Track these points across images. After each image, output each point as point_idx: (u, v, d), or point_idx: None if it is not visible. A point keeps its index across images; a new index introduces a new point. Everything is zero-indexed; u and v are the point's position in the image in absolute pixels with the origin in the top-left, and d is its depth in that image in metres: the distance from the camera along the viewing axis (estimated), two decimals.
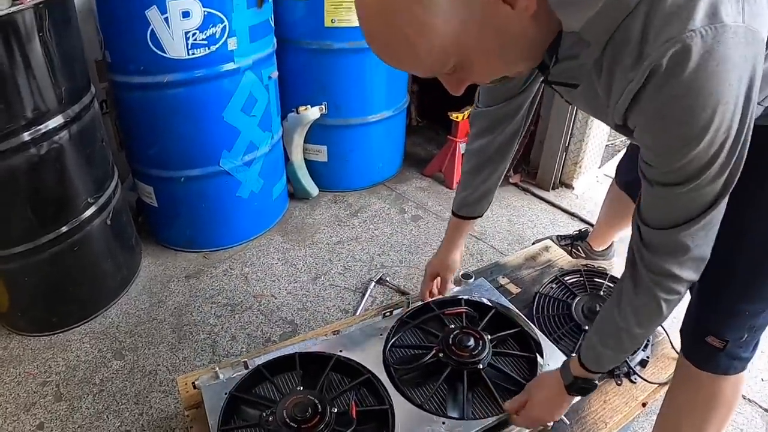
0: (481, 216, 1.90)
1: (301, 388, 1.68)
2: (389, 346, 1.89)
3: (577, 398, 1.62)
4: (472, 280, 2.22)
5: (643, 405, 1.99)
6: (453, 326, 1.92)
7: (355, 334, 1.95)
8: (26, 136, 2.11)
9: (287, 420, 1.54)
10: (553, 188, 3.80)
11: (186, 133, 2.74)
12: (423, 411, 1.69)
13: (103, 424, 2.19)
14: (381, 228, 3.36)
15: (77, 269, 2.57)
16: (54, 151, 2.23)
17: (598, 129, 3.63)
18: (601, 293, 2.28)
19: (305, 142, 3.50)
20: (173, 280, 2.91)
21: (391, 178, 3.90)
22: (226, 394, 1.69)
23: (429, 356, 1.81)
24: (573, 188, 3.79)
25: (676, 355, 1.98)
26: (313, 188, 3.61)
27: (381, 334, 1.93)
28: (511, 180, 3.84)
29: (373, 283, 2.86)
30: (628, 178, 2.26)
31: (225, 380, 1.78)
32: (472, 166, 1.77)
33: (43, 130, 2.16)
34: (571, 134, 3.58)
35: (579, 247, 2.77)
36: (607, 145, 3.98)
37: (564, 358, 1.87)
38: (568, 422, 1.80)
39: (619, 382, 2.03)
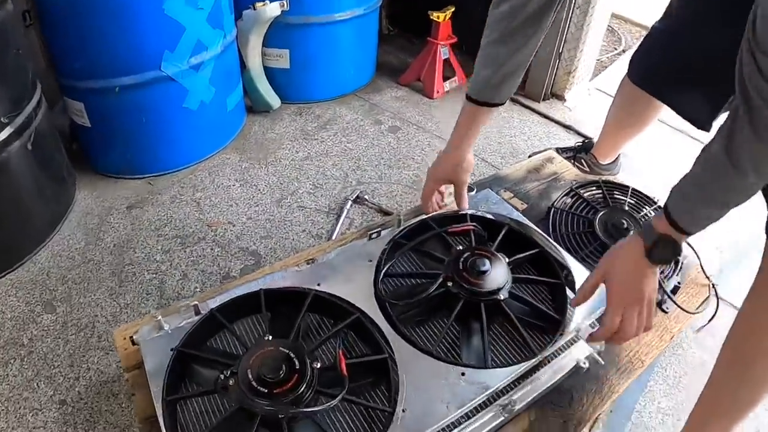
0: (503, 104, 1.52)
1: (270, 337, 1.24)
2: (381, 275, 1.45)
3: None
4: (474, 192, 1.81)
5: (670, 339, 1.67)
6: (461, 248, 1.49)
7: (336, 262, 1.51)
8: None
9: (253, 382, 1.11)
10: (543, 99, 3.45)
11: (118, 31, 2.21)
12: (433, 358, 1.27)
13: (33, 394, 1.77)
14: (354, 141, 2.91)
15: None
16: None
17: (592, 38, 3.27)
18: (626, 208, 1.90)
19: (264, 45, 3.00)
20: (113, 213, 2.44)
21: (363, 88, 3.44)
22: (172, 350, 1.25)
23: (435, 287, 1.38)
24: (565, 100, 3.44)
25: (707, 282, 1.79)
26: (274, 99, 3.11)
27: (370, 260, 1.50)
28: None
29: (350, 203, 2.43)
30: (649, 66, 1.98)
31: (170, 331, 1.34)
32: (498, 35, 1.40)
33: None
34: (564, 41, 3.20)
35: (582, 161, 2.47)
36: (597, 60, 3.65)
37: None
38: (603, 362, 1.42)
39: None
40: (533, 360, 1.30)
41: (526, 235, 1.62)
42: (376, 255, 1.51)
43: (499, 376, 1.26)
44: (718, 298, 1.79)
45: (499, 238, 1.58)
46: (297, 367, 1.13)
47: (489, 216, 1.68)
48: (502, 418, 1.24)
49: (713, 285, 1.78)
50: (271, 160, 2.75)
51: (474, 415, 1.23)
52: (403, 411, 1.17)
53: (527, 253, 1.55)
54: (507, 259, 1.48)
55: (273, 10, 2.78)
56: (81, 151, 2.73)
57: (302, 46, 3.06)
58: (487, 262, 1.42)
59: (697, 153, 1.07)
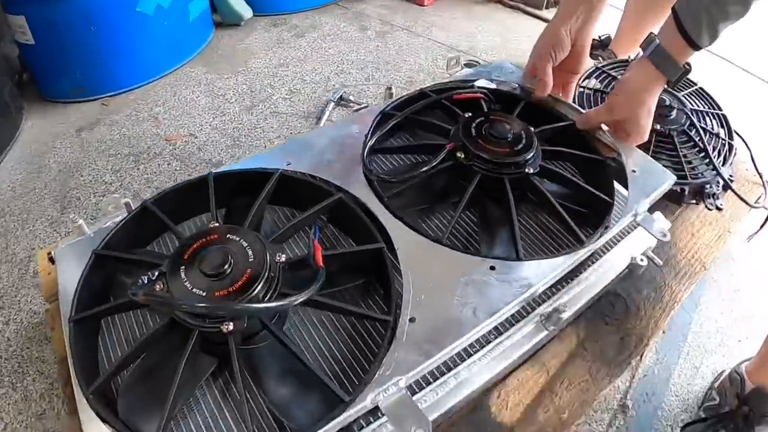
0: None
1: (216, 224, 0.88)
2: (367, 149, 1.08)
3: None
4: (478, 65, 1.43)
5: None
6: (470, 114, 1.12)
7: (311, 139, 1.13)
8: None
9: (186, 284, 0.75)
10: (547, 7, 3.08)
11: None
12: (449, 249, 0.91)
13: None
14: (337, 46, 2.53)
15: None
16: None
17: None
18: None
19: None
20: (60, 137, 2.07)
21: None
22: (91, 255, 0.90)
23: (441, 157, 1.01)
24: None
25: (758, 180, 1.52)
26: (244, 9, 2.72)
27: (356, 133, 1.13)
28: None
29: (332, 104, 2.07)
30: None
31: (93, 235, 0.98)
32: None
33: None
34: None
35: (600, 57, 2.18)
36: None
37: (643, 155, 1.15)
38: (660, 262, 1.09)
39: (710, 205, 1.40)
40: (581, 252, 0.93)
41: (550, 108, 1.24)
42: (363, 130, 1.13)
43: (541, 271, 0.89)
44: None
45: (519, 108, 1.20)
46: (251, 259, 0.77)
47: (504, 88, 1.31)
48: (546, 332, 0.90)
49: (765, 183, 1.50)
50: (241, 69, 2.37)
51: (508, 328, 0.88)
52: (411, 321, 0.80)
53: (558, 124, 1.18)
54: (533, 129, 1.10)
55: None
56: (31, 81, 2.36)
57: None
58: (508, 126, 1.06)
59: None
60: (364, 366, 0.80)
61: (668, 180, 1.07)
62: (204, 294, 0.73)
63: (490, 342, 0.87)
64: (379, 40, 2.56)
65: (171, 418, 0.72)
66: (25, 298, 1.51)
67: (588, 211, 1.05)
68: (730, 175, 1.45)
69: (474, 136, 1.03)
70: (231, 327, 0.73)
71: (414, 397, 0.78)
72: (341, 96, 2.07)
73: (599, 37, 2.25)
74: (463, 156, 1.02)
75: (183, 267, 0.77)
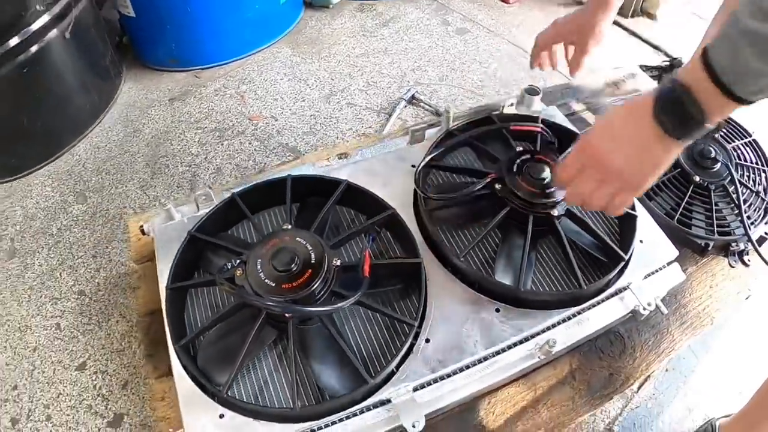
0: None
1: (289, 226, 1.12)
2: (424, 162, 1.30)
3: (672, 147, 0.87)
4: (539, 97, 1.59)
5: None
6: (521, 149, 1.32)
7: (371, 165, 1.37)
8: None
9: (261, 275, 0.99)
10: (632, 15, 3.16)
11: None
12: (466, 285, 1.15)
13: (54, 283, 1.75)
14: (417, 40, 2.72)
15: (32, 96, 2.04)
16: None
17: None
18: (717, 136, 1.61)
19: None
20: (155, 105, 2.36)
21: None
22: (186, 236, 1.15)
23: (480, 186, 1.22)
24: (655, 18, 3.15)
25: None
26: None
27: (413, 165, 1.35)
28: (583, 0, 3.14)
29: (404, 102, 2.27)
30: None
31: (185, 220, 1.25)
32: None
33: None
34: None
35: None
36: None
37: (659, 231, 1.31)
38: (666, 311, 1.24)
39: (733, 262, 1.47)
40: (574, 310, 1.14)
41: None
42: (417, 159, 1.34)
43: (537, 319, 1.12)
44: None
45: (571, 148, 1.38)
46: (312, 262, 1.01)
47: (563, 124, 1.49)
48: (537, 359, 1.11)
49: None
50: (324, 55, 2.60)
51: (503, 352, 1.10)
52: (426, 341, 1.06)
53: None
54: None
55: None
56: (130, 45, 2.65)
57: None
58: (548, 170, 1.25)
59: None
60: (388, 357, 1.04)
61: (670, 257, 1.25)
62: (273, 285, 0.97)
63: (487, 359, 1.09)
64: (458, 38, 2.74)
65: (238, 372, 0.97)
66: (114, 250, 1.81)
67: (603, 258, 1.22)
68: (766, 233, 1.50)
69: (514, 172, 1.23)
70: (290, 315, 0.97)
71: (416, 393, 1.01)
72: (413, 95, 2.27)
73: (671, 60, 2.34)
74: (499, 188, 1.22)
75: (259, 260, 1.01)
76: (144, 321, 1.26)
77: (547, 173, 1.23)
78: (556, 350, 1.10)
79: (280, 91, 2.38)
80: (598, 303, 1.18)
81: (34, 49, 1.95)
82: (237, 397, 0.97)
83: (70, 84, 2.16)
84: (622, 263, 1.18)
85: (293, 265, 0.99)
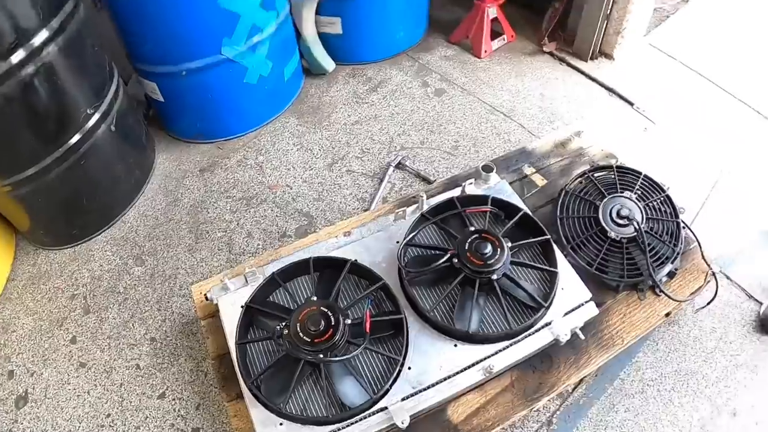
0: None
1: (315, 298, 1.71)
2: (404, 242, 1.89)
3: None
4: (493, 172, 2.15)
5: (666, 315, 1.98)
6: (473, 228, 1.89)
7: (367, 242, 1.98)
8: (13, 59, 2.04)
9: (300, 334, 1.58)
10: (591, 58, 3.61)
11: (180, 25, 2.65)
12: (434, 329, 1.75)
13: (129, 332, 2.33)
14: (402, 104, 3.30)
15: (88, 181, 2.59)
16: (44, 69, 2.16)
17: None
18: (634, 196, 2.10)
19: (317, 14, 3.36)
20: (188, 176, 2.95)
21: (414, 47, 3.76)
22: (242, 307, 1.74)
23: (442, 260, 1.81)
24: (613, 59, 3.60)
25: (706, 268, 2.03)
26: (328, 63, 3.51)
27: (397, 242, 1.95)
28: (545, 48, 3.67)
29: (392, 168, 2.85)
30: None
31: (235, 291, 1.84)
32: None
33: (29, 50, 2.08)
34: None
35: None
36: (655, 9, 3.70)
37: (577, 278, 1.88)
38: (584, 337, 1.83)
39: (642, 297, 2.01)
40: (510, 341, 1.75)
41: (537, 222, 1.97)
42: (400, 234, 1.94)
43: (484, 350, 1.72)
44: (717, 284, 2.04)
45: (512, 222, 1.95)
46: (333, 324, 1.61)
47: (508, 199, 2.06)
48: (484, 377, 1.70)
49: (713, 273, 2.03)
50: (325, 124, 3.18)
51: (460, 372, 1.70)
52: (409, 368, 1.67)
53: (531, 240, 1.93)
54: (511, 244, 1.85)
55: None
56: (157, 117, 3.23)
57: (353, 12, 3.40)
58: (490, 246, 1.80)
59: None
60: (384, 380, 1.63)
61: (585, 297, 1.83)
62: (308, 340, 1.57)
63: (449, 378, 1.68)
64: (436, 99, 3.31)
65: (290, 395, 1.58)
66: (175, 304, 2.39)
67: (533, 304, 1.78)
68: (675, 268, 2.02)
69: (466, 249, 1.80)
70: (321, 356, 1.57)
71: (403, 402, 1.61)
72: (399, 162, 2.84)
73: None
74: (456, 261, 1.80)
75: (298, 324, 1.60)
76: (215, 362, 1.86)
77: (489, 249, 1.80)
78: (496, 371, 1.69)
79: (291, 161, 2.97)
80: (528, 336, 1.76)
81: (88, 144, 2.46)
82: (290, 412, 1.57)
83: (118, 166, 2.72)
84: (543, 308, 1.77)
85: (320, 326, 1.59)
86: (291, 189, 2.82)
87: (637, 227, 1.98)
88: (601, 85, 3.44)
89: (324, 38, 3.48)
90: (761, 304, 2.29)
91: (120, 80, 2.75)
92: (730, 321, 2.24)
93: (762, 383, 2.08)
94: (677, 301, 1.99)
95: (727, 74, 3.47)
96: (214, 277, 2.05)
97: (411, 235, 1.91)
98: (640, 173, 2.18)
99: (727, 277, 2.34)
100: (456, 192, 2.12)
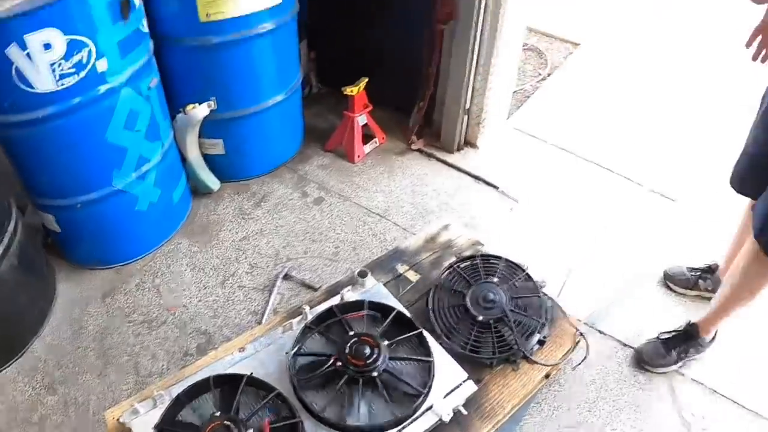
0: None
1: (218, 413, 1.99)
2: (292, 353, 2.18)
3: None
4: (368, 276, 2.47)
5: (547, 377, 2.23)
6: (352, 333, 2.21)
7: (260, 356, 2.27)
8: None
9: None
10: (458, 149, 4.00)
11: (72, 161, 2.88)
12: (330, 428, 2.02)
13: None
14: (284, 216, 3.61)
15: None
16: None
17: (502, 77, 3.74)
18: (495, 280, 2.39)
19: (200, 137, 3.64)
20: (91, 302, 3.14)
21: (293, 158, 4.08)
22: (153, 429, 1.99)
23: (327, 365, 2.12)
24: (477, 147, 4.01)
25: (574, 331, 2.32)
26: (213, 182, 3.81)
27: (286, 353, 2.24)
28: (413, 147, 4.07)
29: (280, 280, 3.15)
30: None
31: (145, 413, 2.08)
32: None
33: None
34: (472, 91, 3.74)
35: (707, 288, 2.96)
36: (515, 92, 4.13)
37: (453, 362, 2.20)
38: (466, 412, 2.09)
39: (515, 368, 2.26)
40: (398, 427, 2.03)
41: (410, 318, 2.30)
42: (289, 345, 2.25)
43: None
44: (587, 342, 2.28)
45: (387, 322, 2.26)
46: None
47: (384, 301, 2.38)
48: None
49: (581, 333, 2.30)
50: (215, 242, 3.46)
51: None
52: None
53: (407, 335, 2.25)
54: (387, 342, 2.17)
55: (202, 111, 3.40)
56: (55, 245, 3.41)
57: (234, 134, 3.72)
58: (368, 347, 2.12)
59: None
60: None
61: (462, 378, 2.15)
62: None
63: None
64: (316, 208, 3.64)
65: None
66: (91, 430, 2.58)
67: (415, 394, 2.08)
68: (544, 337, 2.27)
69: (347, 352, 2.12)
70: None
71: None
72: (286, 273, 3.16)
73: (710, 265, 2.97)
74: (339, 365, 2.12)
75: None
76: None
77: (368, 350, 2.12)
78: None
79: (186, 281, 3.21)
80: (412, 422, 2.07)
81: None
82: None
83: (22, 299, 2.89)
84: (423, 395, 2.07)
85: None
86: (188, 309, 3.07)
87: (502, 308, 2.27)
88: (468, 174, 3.83)
89: (208, 159, 3.78)
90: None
91: (19, 216, 2.93)
92: (608, 371, 2.54)
93: (645, 419, 2.39)
94: (548, 365, 2.24)
95: (587, 145, 3.99)
96: (124, 403, 2.27)
97: (297, 347, 2.22)
98: (501, 258, 2.45)
99: (600, 332, 2.69)
100: (336, 299, 2.44)
